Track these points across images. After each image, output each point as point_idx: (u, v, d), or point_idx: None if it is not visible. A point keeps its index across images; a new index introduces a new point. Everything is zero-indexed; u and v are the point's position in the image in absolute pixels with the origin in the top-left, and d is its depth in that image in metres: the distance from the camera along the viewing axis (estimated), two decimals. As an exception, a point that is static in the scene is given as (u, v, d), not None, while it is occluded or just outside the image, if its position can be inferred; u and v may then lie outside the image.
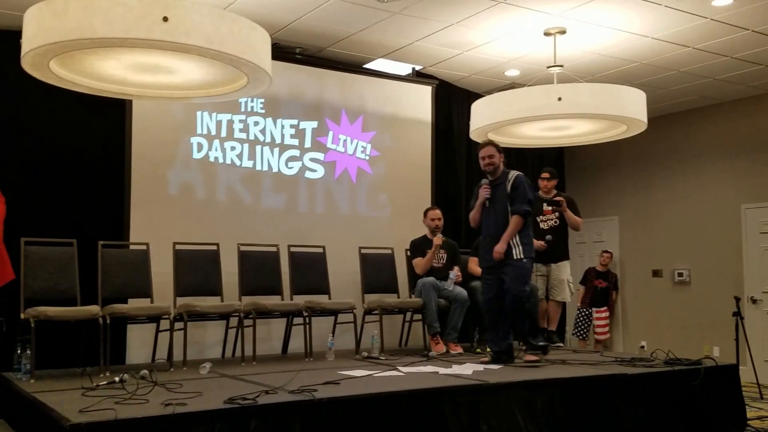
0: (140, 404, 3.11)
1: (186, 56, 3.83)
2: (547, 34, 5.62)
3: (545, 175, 6.01)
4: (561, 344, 6.08)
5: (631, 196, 8.40)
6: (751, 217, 7.39)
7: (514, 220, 4.64)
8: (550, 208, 5.88)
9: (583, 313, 7.85)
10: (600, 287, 7.94)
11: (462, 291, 5.63)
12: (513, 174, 4.76)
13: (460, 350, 5.45)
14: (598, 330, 7.93)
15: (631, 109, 5.29)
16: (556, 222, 5.87)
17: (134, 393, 3.33)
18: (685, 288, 7.88)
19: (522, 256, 4.65)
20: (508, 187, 4.70)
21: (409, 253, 5.98)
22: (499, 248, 4.61)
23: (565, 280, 5.90)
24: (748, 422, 4.66)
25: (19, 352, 4.12)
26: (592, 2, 5.07)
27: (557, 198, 5.85)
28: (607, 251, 8.17)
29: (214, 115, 5.76)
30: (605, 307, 8.02)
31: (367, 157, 6.52)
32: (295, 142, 6.13)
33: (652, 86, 6.87)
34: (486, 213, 4.81)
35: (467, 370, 4.30)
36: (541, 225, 5.86)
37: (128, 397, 3.25)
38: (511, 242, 4.65)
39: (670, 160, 8.08)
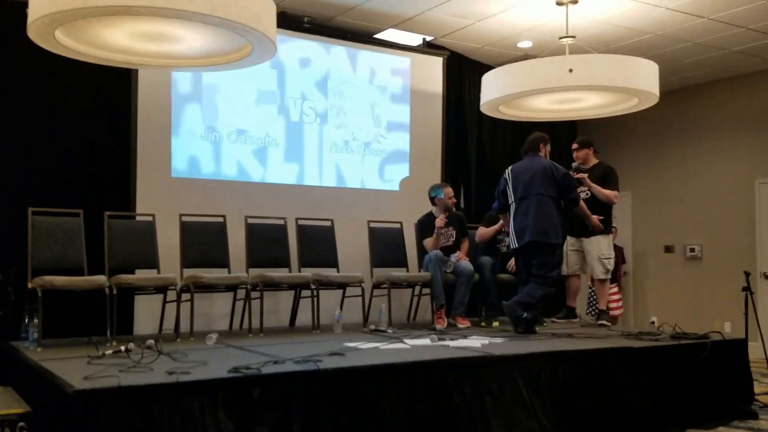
0: (145, 372, 3.12)
1: (190, 24, 3.78)
2: (559, 3, 5.50)
3: (574, 145, 5.76)
4: (606, 323, 5.68)
5: (644, 171, 8.29)
6: (765, 192, 7.29)
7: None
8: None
9: (593, 291, 7.80)
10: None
11: (468, 265, 5.58)
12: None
13: (467, 324, 5.42)
14: (612, 305, 7.87)
15: (642, 81, 5.16)
16: (587, 194, 5.55)
17: (139, 362, 3.34)
18: (697, 264, 7.81)
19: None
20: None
21: (417, 232, 5.92)
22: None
23: (596, 255, 5.58)
24: (756, 397, 4.63)
25: (26, 321, 4.16)
26: (605, -30, 4.96)
27: (578, 175, 5.51)
28: (613, 226, 8.06)
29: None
30: (615, 283, 7.95)
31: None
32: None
33: (665, 58, 6.72)
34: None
35: (475, 342, 4.28)
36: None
37: (133, 365, 3.26)
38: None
39: (683, 134, 7.96)
